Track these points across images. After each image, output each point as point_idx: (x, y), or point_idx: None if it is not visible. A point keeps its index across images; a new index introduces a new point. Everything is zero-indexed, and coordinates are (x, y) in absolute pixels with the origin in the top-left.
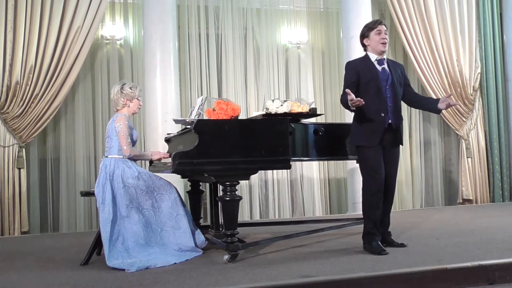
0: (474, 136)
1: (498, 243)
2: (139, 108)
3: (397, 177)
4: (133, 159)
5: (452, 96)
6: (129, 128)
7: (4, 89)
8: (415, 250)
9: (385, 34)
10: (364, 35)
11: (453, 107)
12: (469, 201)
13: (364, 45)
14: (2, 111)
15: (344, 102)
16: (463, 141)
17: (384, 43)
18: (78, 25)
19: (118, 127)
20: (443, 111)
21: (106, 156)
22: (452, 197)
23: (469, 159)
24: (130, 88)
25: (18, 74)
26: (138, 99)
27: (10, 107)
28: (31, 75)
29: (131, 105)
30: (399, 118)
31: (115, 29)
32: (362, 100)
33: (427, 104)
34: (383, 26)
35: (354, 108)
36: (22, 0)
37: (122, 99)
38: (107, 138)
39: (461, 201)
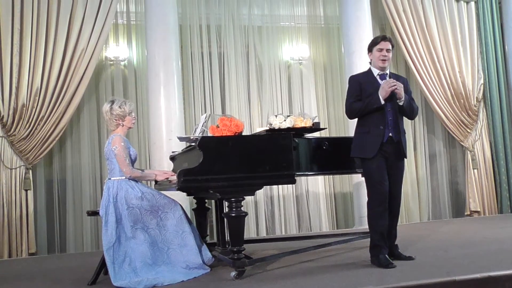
0: (479, 147)
1: (508, 254)
2: (134, 123)
3: (403, 190)
4: (135, 180)
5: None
6: (126, 148)
7: (11, 111)
8: (423, 263)
9: (387, 51)
10: (368, 49)
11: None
12: (477, 212)
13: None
14: (9, 134)
15: (357, 108)
16: (468, 152)
17: (383, 60)
18: (82, 47)
19: (115, 150)
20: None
21: (109, 178)
22: (459, 209)
23: (475, 170)
24: (119, 107)
25: (24, 97)
26: (130, 115)
27: (17, 130)
28: (37, 97)
29: (124, 123)
30: (400, 132)
31: (119, 50)
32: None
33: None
34: (387, 42)
35: (383, 102)
36: (27, 24)
37: (114, 120)
38: (107, 161)
39: (468, 213)
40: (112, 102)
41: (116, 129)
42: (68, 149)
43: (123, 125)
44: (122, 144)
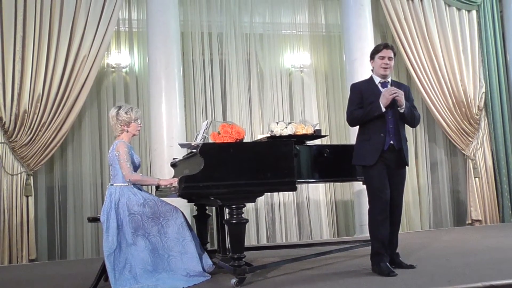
0: (481, 156)
1: (509, 263)
2: (139, 130)
3: (405, 198)
4: (136, 184)
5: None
6: (129, 154)
7: (13, 118)
8: (424, 271)
9: (389, 60)
10: (370, 56)
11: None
12: (478, 221)
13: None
14: (10, 140)
15: (358, 115)
16: (470, 161)
17: (384, 68)
18: (84, 54)
19: (118, 156)
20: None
21: (112, 184)
22: (460, 217)
23: (477, 179)
24: (126, 113)
25: (26, 103)
26: (135, 122)
27: (18, 136)
28: (39, 104)
29: (129, 129)
30: (401, 139)
31: (121, 57)
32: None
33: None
34: (389, 50)
35: (384, 109)
36: (30, 31)
37: (119, 125)
38: (110, 166)
39: (470, 221)
40: (119, 107)
41: (120, 135)
42: (69, 156)
43: (127, 131)
44: (125, 149)
